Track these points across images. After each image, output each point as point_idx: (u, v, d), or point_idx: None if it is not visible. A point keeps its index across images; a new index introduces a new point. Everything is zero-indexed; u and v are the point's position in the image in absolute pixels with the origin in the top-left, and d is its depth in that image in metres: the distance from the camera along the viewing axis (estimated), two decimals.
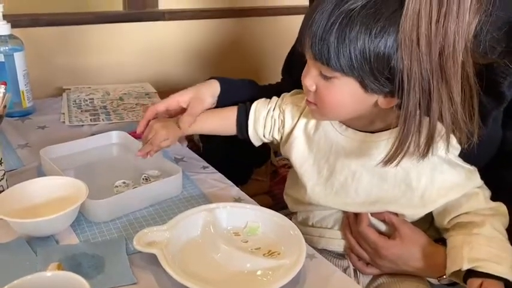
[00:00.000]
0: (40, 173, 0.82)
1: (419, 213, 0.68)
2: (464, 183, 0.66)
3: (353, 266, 0.74)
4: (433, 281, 0.67)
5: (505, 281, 0.60)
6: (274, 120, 0.78)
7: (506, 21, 0.62)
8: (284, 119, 0.76)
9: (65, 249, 0.63)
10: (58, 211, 0.63)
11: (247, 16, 1.59)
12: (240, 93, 0.85)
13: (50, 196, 0.70)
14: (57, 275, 0.47)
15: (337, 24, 0.57)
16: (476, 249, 0.61)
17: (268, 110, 0.79)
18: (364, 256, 0.72)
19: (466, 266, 0.60)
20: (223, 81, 0.84)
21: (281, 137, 0.78)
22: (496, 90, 0.65)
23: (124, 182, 0.79)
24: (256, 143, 0.82)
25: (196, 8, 1.49)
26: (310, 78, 0.63)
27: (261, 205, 0.72)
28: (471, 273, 0.61)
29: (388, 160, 0.62)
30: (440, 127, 0.60)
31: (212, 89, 0.83)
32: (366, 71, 0.58)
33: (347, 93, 0.61)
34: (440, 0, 0.54)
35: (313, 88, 0.64)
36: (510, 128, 0.70)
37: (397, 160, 0.61)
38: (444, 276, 0.65)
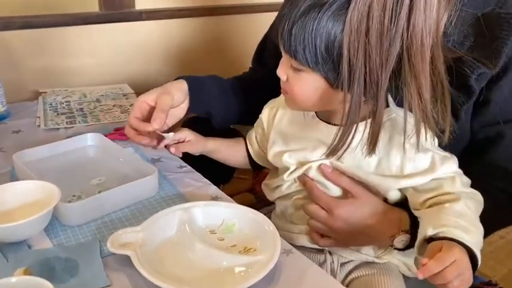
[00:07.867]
0: (13, 177, 0.81)
1: (394, 186, 0.66)
2: (437, 168, 0.63)
3: (309, 237, 0.73)
4: (395, 260, 0.68)
5: (469, 253, 0.56)
6: (256, 135, 0.82)
7: (474, 17, 0.62)
8: (263, 125, 0.80)
9: (37, 253, 0.62)
10: (31, 216, 0.62)
11: (226, 14, 1.59)
12: (208, 87, 0.85)
13: (23, 201, 0.69)
14: (23, 280, 0.47)
15: (305, 18, 0.56)
16: (444, 219, 0.58)
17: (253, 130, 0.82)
18: (318, 226, 0.70)
19: (430, 232, 0.58)
20: (189, 77, 0.84)
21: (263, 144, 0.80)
22: (465, 84, 0.65)
23: (74, 195, 0.75)
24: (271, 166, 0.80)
25: (174, 7, 1.48)
26: (283, 68, 0.64)
27: (244, 203, 0.71)
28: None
29: (330, 153, 0.62)
30: (401, 124, 0.60)
31: (178, 85, 0.82)
32: (329, 67, 0.58)
33: (313, 87, 0.61)
34: None
35: (284, 78, 0.65)
36: (476, 120, 0.70)
37: (339, 153, 0.62)
38: (397, 236, 0.64)
